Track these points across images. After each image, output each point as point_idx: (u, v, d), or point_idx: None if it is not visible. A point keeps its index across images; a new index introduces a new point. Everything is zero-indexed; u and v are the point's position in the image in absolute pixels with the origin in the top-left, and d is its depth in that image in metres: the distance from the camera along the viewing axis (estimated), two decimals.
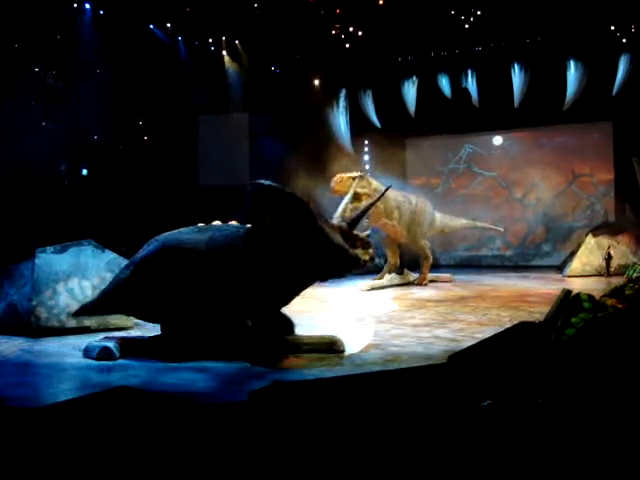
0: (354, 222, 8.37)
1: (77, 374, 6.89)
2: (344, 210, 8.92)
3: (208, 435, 4.05)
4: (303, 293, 8.18)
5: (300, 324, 8.42)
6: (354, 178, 15.19)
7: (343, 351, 7.73)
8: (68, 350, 8.27)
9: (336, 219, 8.38)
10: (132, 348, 7.86)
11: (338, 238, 7.80)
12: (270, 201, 7.57)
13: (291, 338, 7.93)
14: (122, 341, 7.97)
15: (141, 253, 7.98)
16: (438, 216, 17.61)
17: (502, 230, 20.38)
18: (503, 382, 4.52)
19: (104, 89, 17.08)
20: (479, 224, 19.98)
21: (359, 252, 7.93)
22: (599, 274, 17.31)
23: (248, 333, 7.88)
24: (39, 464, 3.69)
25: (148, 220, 19.84)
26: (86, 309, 8.33)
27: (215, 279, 7.55)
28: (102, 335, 9.34)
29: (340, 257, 7.73)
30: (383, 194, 10.38)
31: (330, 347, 7.76)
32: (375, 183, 15.98)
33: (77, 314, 8.57)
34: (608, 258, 15.58)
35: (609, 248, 16.47)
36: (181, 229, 8.25)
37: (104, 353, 7.55)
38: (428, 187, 23.78)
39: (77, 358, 7.73)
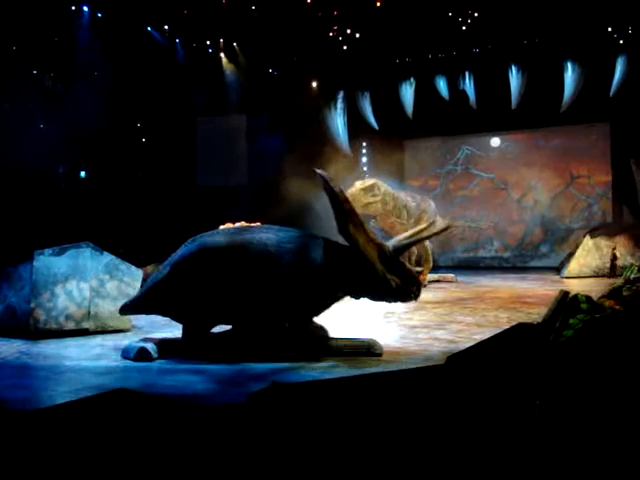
0: (401, 249, 8.02)
1: (75, 377, 6.88)
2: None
3: (207, 437, 4.06)
4: None
5: None
6: (365, 189, 15.18)
7: (381, 354, 7.67)
8: (66, 352, 8.27)
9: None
10: (169, 349, 7.89)
11: (382, 262, 7.59)
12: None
13: (331, 340, 7.86)
14: (160, 342, 7.97)
15: (184, 252, 7.95)
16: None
17: (487, 226, 20.44)
18: (501, 383, 4.52)
19: (102, 91, 17.10)
20: (466, 223, 20.09)
21: (405, 284, 7.70)
22: (598, 275, 17.35)
23: (289, 335, 7.86)
24: (37, 466, 3.69)
25: (147, 222, 19.89)
26: (127, 308, 8.33)
27: (253, 282, 7.57)
28: (99, 338, 9.39)
29: (380, 285, 7.57)
30: (443, 231, 9.25)
31: (368, 350, 7.72)
32: (385, 187, 15.93)
33: (122, 312, 8.49)
34: (614, 259, 15.59)
35: (614, 249, 16.46)
36: (218, 230, 8.52)
37: (142, 354, 7.57)
38: (426, 189, 23.79)
39: (75, 361, 7.73)
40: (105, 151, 19.54)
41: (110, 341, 9.11)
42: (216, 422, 4.36)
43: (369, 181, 15.98)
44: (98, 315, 9.79)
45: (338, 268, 7.54)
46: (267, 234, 7.77)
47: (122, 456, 3.79)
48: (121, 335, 9.61)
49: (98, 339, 9.31)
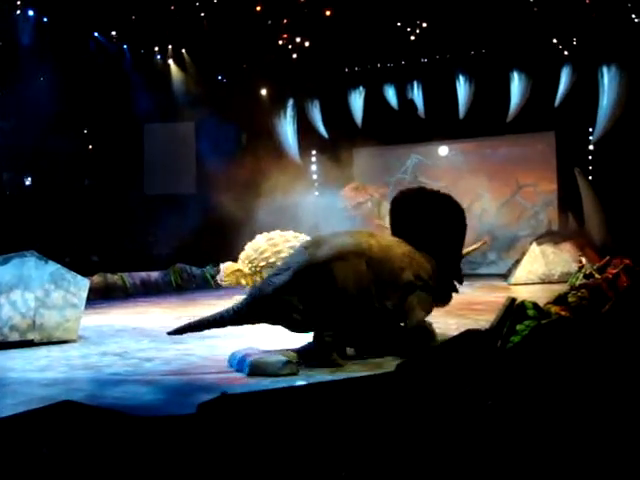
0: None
1: (21, 388, 6.73)
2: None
3: (155, 449, 4.00)
4: None
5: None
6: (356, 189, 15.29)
7: None
8: (11, 364, 8.09)
9: None
10: (307, 358, 7.62)
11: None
12: None
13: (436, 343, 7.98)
14: (301, 352, 7.72)
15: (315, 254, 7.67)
16: None
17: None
18: (452, 389, 4.56)
19: (48, 97, 16.79)
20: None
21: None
22: (545, 282, 17.61)
23: (411, 334, 8.00)
24: None
25: (93, 230, 19.60)
26: (234, 317, 7.76)
27: (389, 284, 7.74)
28: (45, 349, 9.20)
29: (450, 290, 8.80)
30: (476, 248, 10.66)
31: None
32: (366, 186, 16.05)
33: (226, 323, 7.86)
34: (581, 265, 15.78)
35: (580, 256, 16.66)
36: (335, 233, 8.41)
37: (288, 367, 7.18)
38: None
39: (20, 372, 7.57)
40: (50, 158, 19.19)
41: (56, 352, 8.95)
42: (165, 433, 4.30)
43: (359, 182, 16.15)
44: (44, 326, 9.59)
45: (437, 271, 8.32)
46: (379, 238, 8.15)
47: (68, 470, 3.71)
48: (68, 346, 9.45)
49: (44, 350, 9.13)
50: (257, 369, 7.13)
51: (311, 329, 7.83)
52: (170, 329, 7.96)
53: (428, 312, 8.29)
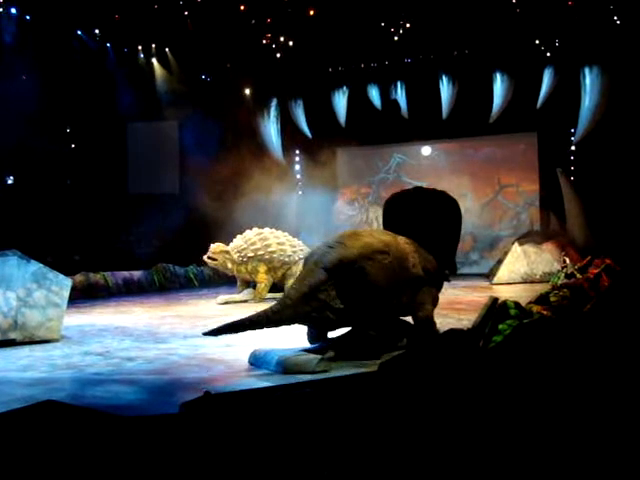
0: None
1: (2, 388, 6.67)
2: None
3: (138, 449, 3.99)
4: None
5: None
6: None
7: None
8: None
9: None
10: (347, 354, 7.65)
11: None
12: None
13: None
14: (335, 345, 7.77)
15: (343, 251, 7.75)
16: None
17: None
18: (433, 388, 4.58)
19: (30, 95, 16.68)
20: None
21: None
22: (526, 281, 17.73)
23: (417, 327, 8.28)
24: None
25: (76, 230, 19.51)
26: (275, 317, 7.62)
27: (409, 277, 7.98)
28: (27, 348, 9.14)
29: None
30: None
31: None
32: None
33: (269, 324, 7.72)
34: (564, 265, 15.89)
35: (564, 255, 16.75)
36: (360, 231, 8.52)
37: (323, 364, 7.21)
38: (358, 196, 24.05)
39: (2, 372, 7.50)
40: (33, 157, 19.06)
41: (38, 352, 8.90)
42: (148, 433, 4.29)
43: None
44: (25, 325, 9.53)
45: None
46: (393, 235, 8.30)
47: (50, 470, 3.70)
48: (50, 345, 9.40)
49: (26, 350, 9.07)
50: (294, 367, 7.16)
51: (340, 326, 7.95)
52: (206, 330, 7.66)
53: (435, 305, 8.67)
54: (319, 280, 7.55)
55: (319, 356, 7.29)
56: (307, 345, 8.08)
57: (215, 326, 7.59)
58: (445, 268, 9.08)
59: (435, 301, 8.66)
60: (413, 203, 8.95)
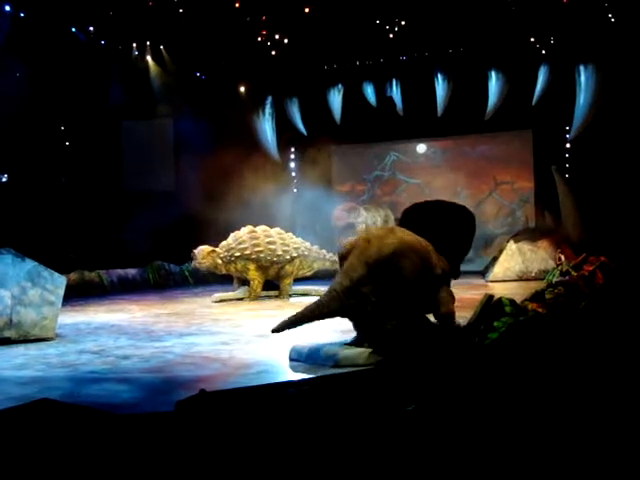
0: None
1: None
2: None
3: (133, 447, 3.99)
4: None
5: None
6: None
7: None
8: None
9: None
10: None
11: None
12: None
13: None
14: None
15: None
16: None
17: None
18: (429, 386, 4.58)
19: (24, 93, 16.63)
20: None
21: None
22: (522, 279, 17.75)
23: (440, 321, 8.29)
24: None
25: (71, 228, 19.47)
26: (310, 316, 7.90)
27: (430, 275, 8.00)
28: (22, 347, 9.13)
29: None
30: None
31: None
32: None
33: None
34: (560, 262, 15.89)
35: (559, 252, 16.75)
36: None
37: (372, 357, 7.38)
38: (354, 194, 24.03)
39: None
40: (27, 154, 19.01)
41: (33, 350, 8.88)
42: (143, 431, 4.29)
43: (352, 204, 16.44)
44: (20, 323, 9.50)
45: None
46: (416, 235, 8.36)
47: (45, 469, 3.69)
48: (45, 344, 9.38)
49: (21, 348, 9.05)
50: (346, 360, 7.36)
51: (374, 320, 7.98)
52: (273, 326, 7.87)
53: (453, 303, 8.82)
54: (361, 274, 7.72)
55: (369, 350, 7.47)
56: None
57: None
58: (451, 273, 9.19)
59: (453, 300, 8.71)
60: (434, 213, 9.12)
